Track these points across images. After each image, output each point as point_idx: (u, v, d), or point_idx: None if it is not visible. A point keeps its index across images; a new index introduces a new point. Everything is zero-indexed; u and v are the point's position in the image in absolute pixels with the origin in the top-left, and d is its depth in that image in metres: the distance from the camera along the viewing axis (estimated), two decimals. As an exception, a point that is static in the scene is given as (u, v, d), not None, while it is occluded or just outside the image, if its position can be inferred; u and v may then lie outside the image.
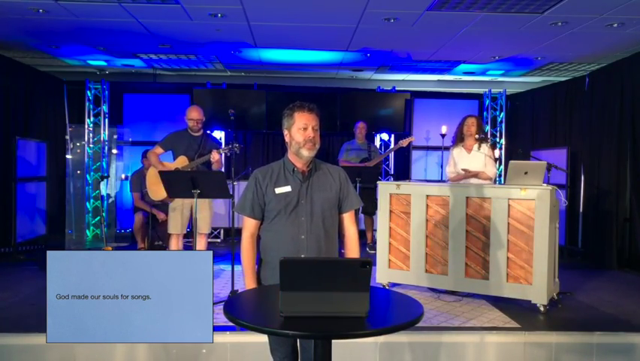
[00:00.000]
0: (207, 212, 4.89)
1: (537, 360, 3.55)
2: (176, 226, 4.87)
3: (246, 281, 2.43)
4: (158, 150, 4.91)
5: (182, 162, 4.83)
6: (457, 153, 4.95)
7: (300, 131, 2.36)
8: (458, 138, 4.98)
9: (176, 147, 4.88)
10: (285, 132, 2.44)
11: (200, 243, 4.95)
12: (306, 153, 2.38)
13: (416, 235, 4.60)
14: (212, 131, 8.04)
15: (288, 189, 2.38)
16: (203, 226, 4.88)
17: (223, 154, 4.74)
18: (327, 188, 2.44)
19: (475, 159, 4.85)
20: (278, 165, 2.49)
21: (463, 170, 4.83)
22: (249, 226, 2.49)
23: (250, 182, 2.49)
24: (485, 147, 4.85)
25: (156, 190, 4.93)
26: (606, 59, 6.85)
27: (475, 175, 4.81)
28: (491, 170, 4.85)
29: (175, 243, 4.92)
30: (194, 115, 4.88)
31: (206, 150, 4.77)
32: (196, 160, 4.78)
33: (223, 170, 6.11)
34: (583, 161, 6.73)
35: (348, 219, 2.55)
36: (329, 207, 2.43)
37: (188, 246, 5.89)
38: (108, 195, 7.84)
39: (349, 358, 3.39)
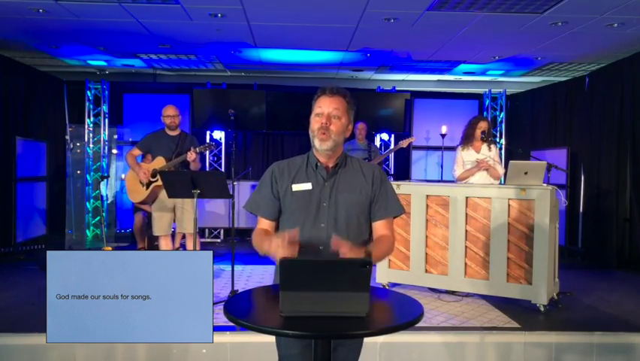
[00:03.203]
0: (191, 214, 4.86)
1: (537, 360, 3.55)
2: (161, 227, 4.84)
3: (276, 252, 1.80)
4: (136, 151, 4.87)
5: (159, 162, 4.78)
6: (466, 153, 4.93)
7: (316, 118, 2.01)
8: (467, 139, 4.95)
9: (153, 148, 4.85)
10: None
11: (190, 243, 4.93)
12: (318, 145, 2.00)
13: (416, 235, 4.60)
14: (212, 132, 8.06)
15: (308, 186, 2.01)
16: (189, 227, 4.85)
17: (205, 153, 4.69)
18: (356, 189, 2.03)
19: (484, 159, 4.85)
20: (301, 159, 2.11)
21: (477, 160, 4.81)
22: (262, 225, 2.09)
23: (266, 176, 2.10)
24: (494, 149, 4.88)
25: (135, 193, 4.92)
26: (606, 59, 6.85)
27: (486, 169, 4.80)
28: (501, 170, 4.89)
29: (164, 244, 4.88)
30: (169, 112, 4.85)
31: (184, 150, 4.72)
32: (173, 160, 4.73)
33: (222, 170, 6.07)
34: (583, 161, 6.74)
35: (383, 229, 2.07)
36: (356, 213, 2.02)
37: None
38: (108, 196, 7.84)
39: (349, 358, 3.39)
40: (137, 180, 4.85)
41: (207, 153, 7.63)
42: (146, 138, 4.93)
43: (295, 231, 1.86)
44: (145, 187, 4.82)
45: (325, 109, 2.00)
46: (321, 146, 1.99)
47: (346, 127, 2.05)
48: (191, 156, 4.58)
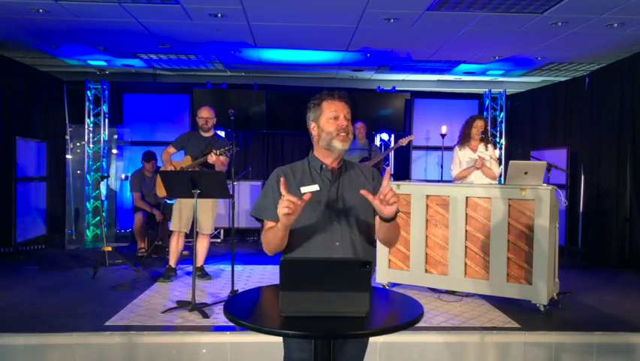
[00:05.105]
0: (210, 213, 4.91)
1: (537, 360, 3.55)
2: (177, 223, 4.92)
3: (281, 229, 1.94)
4: (171, 149, 5.03)
5: (186, 161, 4.92)
6: (463, 153, 4.93)
7: (331, 121, 2.10)
8: (464, 139, 4.96)
9: (186, 147, 5.00)
10: (312, 125, 2.15)
11: (202, 243, 4.97)
12: (339, 145, 2.10)
13: (416, 235, 4.60)
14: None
15: (315, 187, 2.08)
16: (205, 227, 4.90)
17: (228, 155, 4.72)
18: (359, 188, 2.07)
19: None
20: (302, 164, 2.20)
21: (479, 156, 4.80)
22: (270, 225, 2.09)
23: (271, 181, 2.15)
24: (491, 148, 4.89)
25: (162, 188, 4.98)
26: (606, 59, 6.85)
27: (479, 168, 4.79)
28: (497, 169, 4.88)
29: (175, 241, 4.97)
30: (204, 113, 5.01)
31: (210, 152, 4.78)
32: (198, 159, 4.80)
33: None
34: (583, 161, 6.74)
35: None
36: (364, 210, 2.12)
37: (189, 246, 5.89)
38: (108, 195, 7.84)
39: (349, 358, 3.39)
40: None
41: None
42: (180, 136, 5.10)
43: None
44: None
45: (340, 112, 2.11)
46: (343, 146, 2.11)
47: None
48: (210, 158, 4.64)
